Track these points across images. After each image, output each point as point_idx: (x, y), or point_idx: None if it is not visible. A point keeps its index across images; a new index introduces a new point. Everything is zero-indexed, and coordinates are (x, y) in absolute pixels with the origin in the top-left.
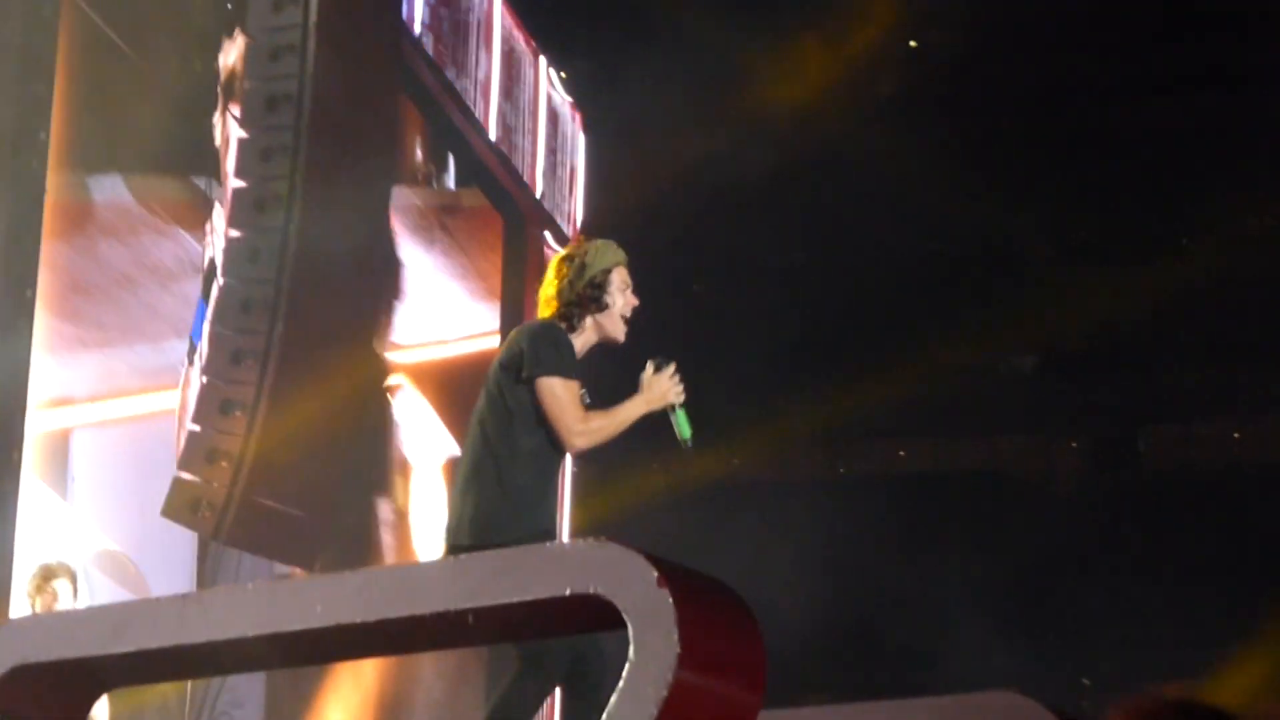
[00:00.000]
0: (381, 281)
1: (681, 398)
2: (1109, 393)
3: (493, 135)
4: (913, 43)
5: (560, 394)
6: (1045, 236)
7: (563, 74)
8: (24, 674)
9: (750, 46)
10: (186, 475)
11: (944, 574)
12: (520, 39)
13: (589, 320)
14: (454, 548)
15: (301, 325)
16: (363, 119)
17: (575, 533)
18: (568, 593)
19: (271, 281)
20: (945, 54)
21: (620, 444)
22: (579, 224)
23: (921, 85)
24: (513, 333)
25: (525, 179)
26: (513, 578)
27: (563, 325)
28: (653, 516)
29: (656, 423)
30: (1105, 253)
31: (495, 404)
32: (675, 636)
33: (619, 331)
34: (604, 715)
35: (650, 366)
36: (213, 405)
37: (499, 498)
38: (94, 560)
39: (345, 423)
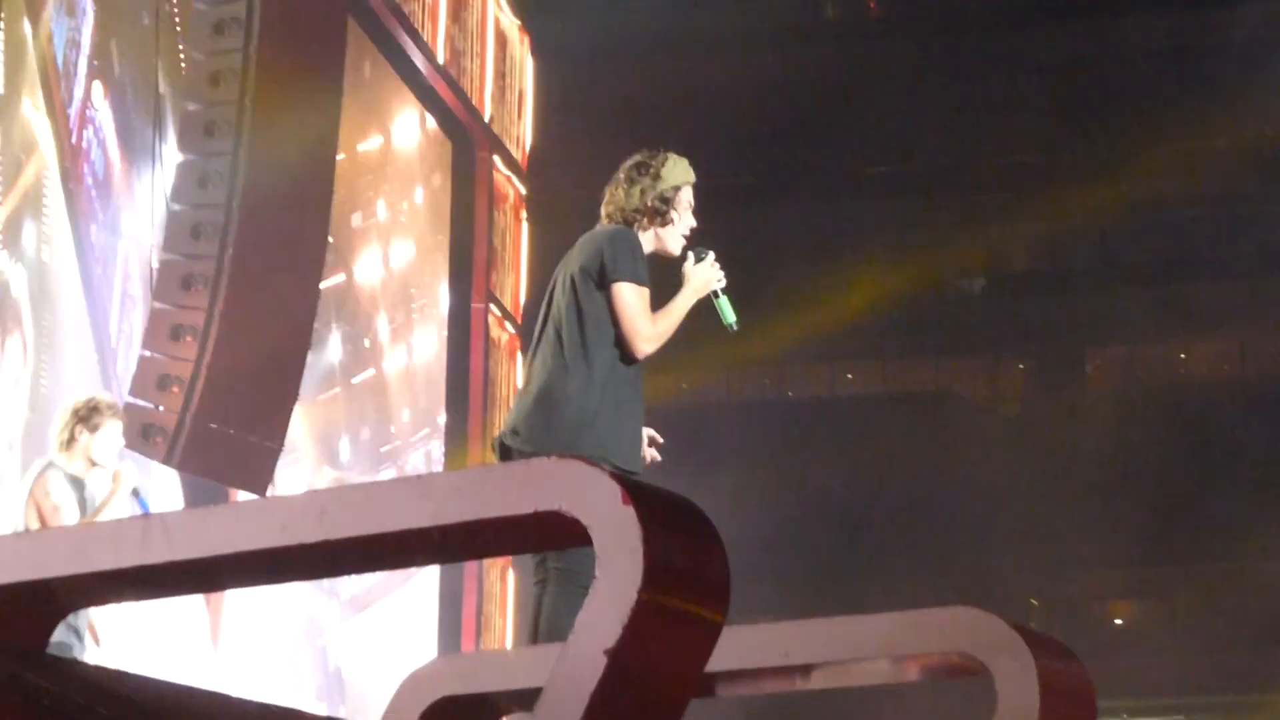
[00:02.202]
0: (329, 206)
1: (723, 283)
2: (1056, 314)
3: (441, 59)
4: None
5: (633, 300)
6: (993, 157)
7: None
8: None
9: None
10: (138, 401)
11: (892, 495)
12: None
13: (651, 231)
14: (504, 448)
15: (252, 250)
16: (310, 43)
17: None
18: (533, 510)
19: (221, 206)
20: None
21: None
22: (528, 148)
23: (872, 8)
24: (585, 238)
25: (474, 103)
26: (477, 495)
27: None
28: None
29: None
30: (1052, 172)
31: (571, 311)
32: (640, 554)
33: (676, 247)
34: (571, 633)
35: (691, 256)
36: (163, 331)
37: (564, 411)
38: None
39: (295, 347)
